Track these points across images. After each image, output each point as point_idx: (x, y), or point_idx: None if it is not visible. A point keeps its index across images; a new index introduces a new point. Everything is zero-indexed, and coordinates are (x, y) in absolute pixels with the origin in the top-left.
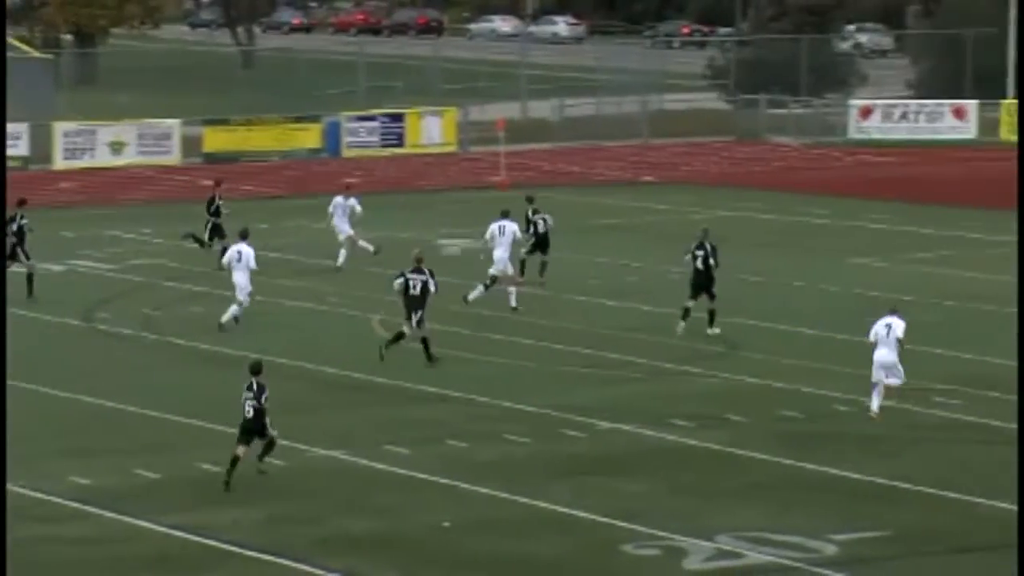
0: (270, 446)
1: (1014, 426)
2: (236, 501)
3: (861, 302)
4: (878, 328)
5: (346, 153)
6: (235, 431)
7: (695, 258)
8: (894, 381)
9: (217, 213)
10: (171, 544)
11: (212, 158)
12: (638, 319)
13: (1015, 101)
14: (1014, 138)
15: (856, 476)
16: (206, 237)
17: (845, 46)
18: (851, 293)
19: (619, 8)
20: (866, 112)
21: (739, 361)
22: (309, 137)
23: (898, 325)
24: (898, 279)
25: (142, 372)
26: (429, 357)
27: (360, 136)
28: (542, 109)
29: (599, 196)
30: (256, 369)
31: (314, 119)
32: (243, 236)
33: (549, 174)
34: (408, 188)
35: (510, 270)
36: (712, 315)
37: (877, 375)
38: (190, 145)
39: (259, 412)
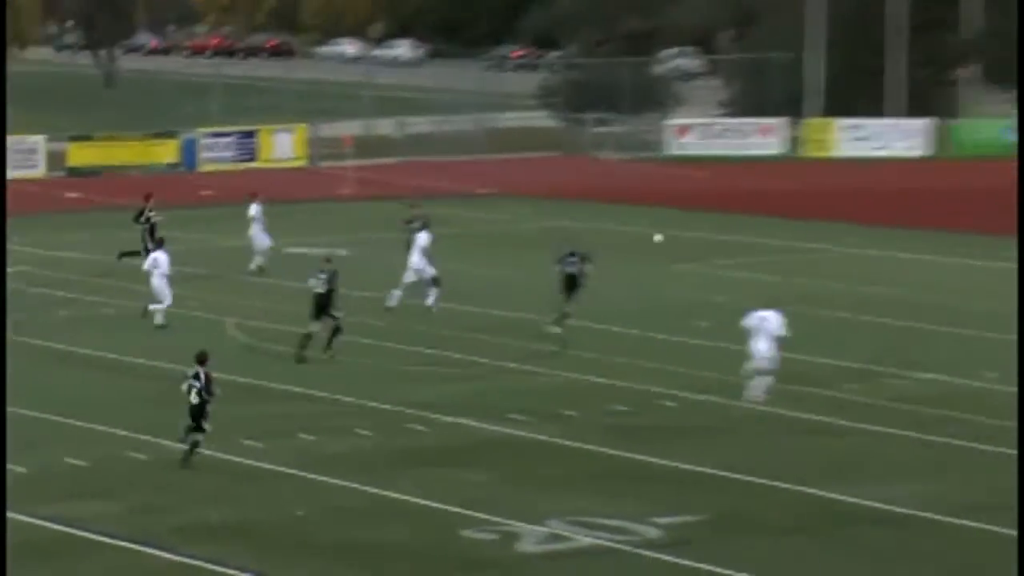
0: (196, 444)
1: (824, 419)
2: (100, 494)
3: (683, 305)
4: (752, 320)
5: (202, 167)
6: (93, 426)
7: (567, 264)
8: (768, 366)
9: (148, 223)
10: (40, 534)
11: (76, 172)
12: (476, 321)
13: (817, 119)
14: (816, 154)
15: (677, 465)
16: (147, 245)
17: (663, 69)
18: (674, 297)
19: (457, 33)
20: (683, 130)
21: (572, 360)
22: (167, 152)
23: (774, 320)
24: (716, 283)
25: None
26: (300, 352)
27: (215, 151)
28: (386, 126)
29: (439, 207)
30: (202, 359)
31: (172, 135)
32: (159, 244)
33: (393, 187)
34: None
35: (429, 273)
36: (564, 316)
37: (755, 363)
38: (55, 160)
39: (203, 401)
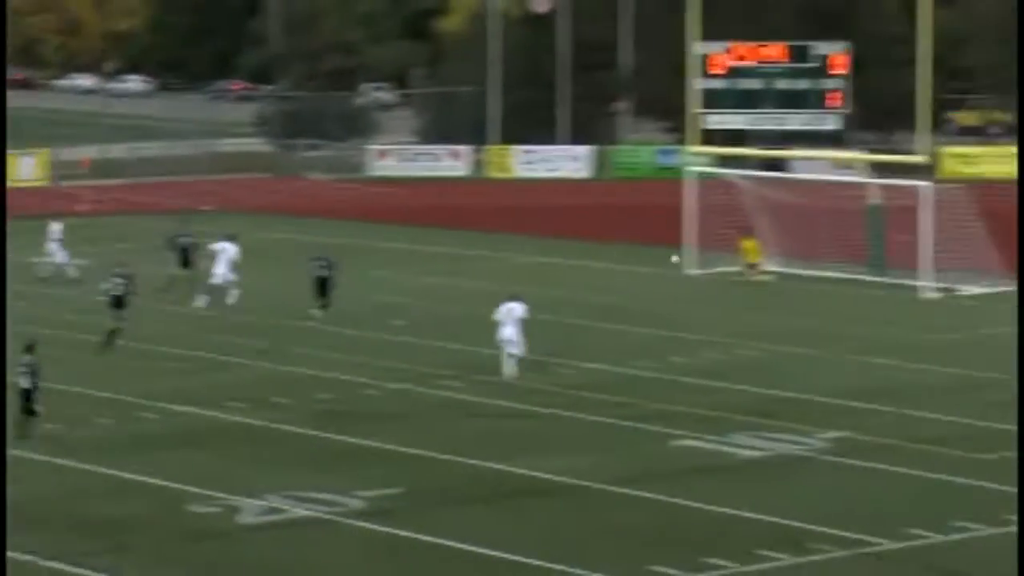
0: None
1: (505, 403)
2: None
3: (382, 307)
4: (501, 310)
5: None
6: None
7: (316, 268)
8: (516, 351)
9: None
10: None
11: None
12: (208, 321)
13: (498, 145)
14: (497, 175)
15: (378, 445)
16: None
17: (364, 101)
18: (373, 299)
19: (183, 68)
20: (383, 154)
21: (285, 355)
22: None
23: (518, 308)
24: (410, 287)
25: None
26: (107, 343)
27: None
28: (120, 150)
29: (169, 223)
30: (30, 348)
31: None
32: None
33: (128, 203)
34: (9, 217)
35: (221, 280)
36: (323, 307)
37: (504, 347)
38: None
39: (35, 386)
